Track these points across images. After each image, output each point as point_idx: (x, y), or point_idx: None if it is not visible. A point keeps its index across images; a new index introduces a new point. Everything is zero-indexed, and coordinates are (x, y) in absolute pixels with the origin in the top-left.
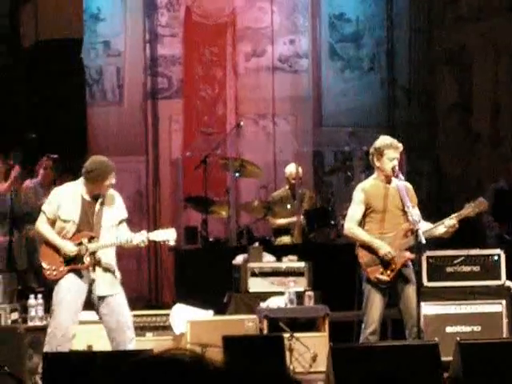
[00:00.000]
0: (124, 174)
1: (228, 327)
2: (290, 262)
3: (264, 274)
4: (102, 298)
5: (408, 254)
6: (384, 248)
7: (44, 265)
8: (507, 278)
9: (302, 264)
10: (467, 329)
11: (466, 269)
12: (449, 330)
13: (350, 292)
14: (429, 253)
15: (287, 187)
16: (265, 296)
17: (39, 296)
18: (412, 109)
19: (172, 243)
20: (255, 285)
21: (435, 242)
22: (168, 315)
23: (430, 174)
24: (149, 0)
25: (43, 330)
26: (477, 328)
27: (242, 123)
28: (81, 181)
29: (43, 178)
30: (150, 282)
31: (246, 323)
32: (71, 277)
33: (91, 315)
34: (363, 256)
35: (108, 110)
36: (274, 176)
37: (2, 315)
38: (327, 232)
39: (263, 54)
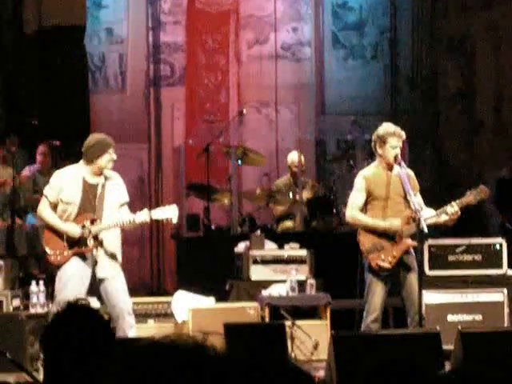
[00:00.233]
0: (126, 161)
1: (230, 315)
2: (292, 249)
3: (266, 261)
4: (102, 280)
5: (410, 242)
6: (393, 224)
7: (48, 250)
8: (509, 267)
9: (303, 252)
10: (468, 317)
11: (468, 257)
12: (450, 318)
13: (352, 280)
14: (430, 241)
15: (289, 175)
16: (266, 284)
17: (41, 282)
18: (415, 97)
19: (174, 221)
20: (257, 272)
21: (437, 231)
22: (170, 302)
23: (433, 162)
24: None
25: (45, 316)
26: (478, 317)
27: (244, 111)
28: (82, 163)
29: (41, 164)
30: (152, 270)
31: (248, 311)
32: (75, 261)
33: (93, 301)
34: (365, 243)
35: (110, 97)
36: (276, 164)
37: (3, 302)
38: (329, 220)
39: (266, 41)
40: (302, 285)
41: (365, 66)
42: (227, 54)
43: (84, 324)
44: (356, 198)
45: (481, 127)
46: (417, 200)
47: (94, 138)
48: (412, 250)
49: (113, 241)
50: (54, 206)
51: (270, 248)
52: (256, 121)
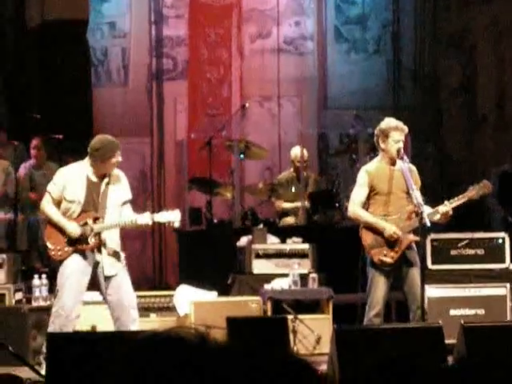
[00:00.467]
0: (129, 155)
1: (232, 309)
2: (295, 243)
3: (268, 255)
4: (108, 278)
5: (412, 237)
6: (389, 228)
7: (49, 245)
8: (511, 261)
9: (306, 246)
10: (471, 312)
11: (471, 252)
12: (452, 312)
13: (354, 274)
14: (433, 236)
15: (292, 170)
16: (269, 278)
17: (43, 276)
18: (417, 91)
19: (177, 225)
20: (259, 266)
21: (440, 226)
22: (172, 296)
23: (435, 157)
24: None
25: (47, 310)
26: (480, 311)
27: (246, 105)
28: (86, 161)
29: (35, 158)
30: (154, 263)
31: (250, 305)
32: (76, 257)
33: (95, 296)
34: (367, 238)
35: (113, 91)
36: (278, 158)
37: (6, 295)
38: (332, 214)
39: (269, 35)
40: (304, 279)
41: (367, 60)
42: (230, 48)
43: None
44: (358, 192)
45: (483, 122)
46: (419, 195)
47: (101, 140)
48: (414, 245)
49: (114, 238)
50: (58, 203)
51: (273, 242)
52: (258, 115)
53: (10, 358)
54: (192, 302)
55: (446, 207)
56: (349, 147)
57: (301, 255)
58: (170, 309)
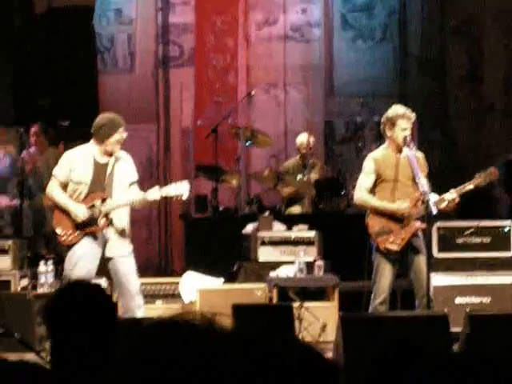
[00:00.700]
0: (135, 142)
1: (237, 296)
2: (300, 231)
3: (274, 243)
4: (111, 259)
5: (418, 224)
6: (401, 206)
7: (58, 231)
8: None
9: (312, 233)
10: (477, 300)
11: (477, 240)
12: (458, 301)
13: (360, 262)
14: (439, 223)
15: (298, 157)
16: (275, 265)
17: (49, 262)
18: (424, 79)
19: (185, 197)
20: (265, 254)
21: (447, 213)
22: (178, 283)
23: (442, 144)
24: None
25: None
26: (486, 299)
27: (253, 92)
28: (92, 143)
29: (36, 145)
30: (160, 250)
31: (256, 292)
32: (86, 241)
33: (101, 282)
34: (373, 225)
35: (119, 78)
36: (284, 145)
37: (11, 282)
38: (338, 202)
39: (275, 22)
40: (310, 266)
41: (374, 47)
42: (236, 35)
43: (85, 298)
44: (365, 180)
45: (490, 109)
46: (425, 182)
47: (104, 117)
48: (420, 233)
49: (123, 220)
50: (64, 186)
51: (278, 229)
52: (265, 102)
53: (15, 344)
54: (198, 289)
55: (453, 195)
56: (355, 135)
57: (307, 242)
58: (175, 296)
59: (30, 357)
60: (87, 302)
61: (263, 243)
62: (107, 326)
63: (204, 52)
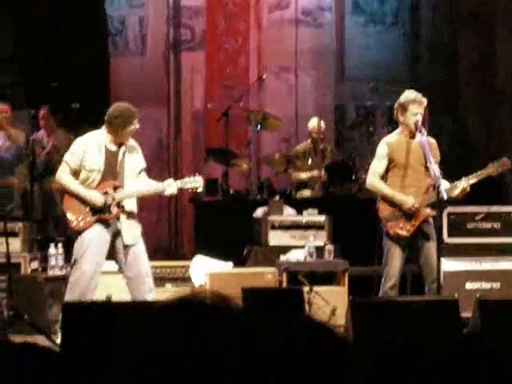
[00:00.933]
0: (145, 124)
1: (247, 279)
2: (311, 215)
3: (284, 227)
4: (126, 247)
5: (429, 211)
6: (408, 201)
7: (69, 216)
8: None
9: (322, 218)
10: (487, 285)
11: (487, 225)
12: (468, 286)
13: (370, 246)
14: (450, 209)
15: (309, 141)
16: (285, 249)
17: (59, 245)
18: (435, 65)
19: (200, 190)
20: (275, 238)
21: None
22: (188, 266)
23: (451, 131)
24: None
25: (63, 279)
26: (496, 285)
27: (264, 76)
28: (104, 130)
29: (45, 128)
30: (170, 234)
31: (266, 276)
32: (97, 227)
33: (110, 265)
34: (383, 210)
35: (130, 61)
36: (295, 129)
37: (21, 264)
38: (348, 186)
39: (287, 6)
40: (320, 251)
41: (385, 32)
42: (248, 19)
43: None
44: (377, 164)
45: (501, 96)
46: (437, 168)
47: (119, 107)
48: (431, 219)
49: (132, 206)
50: (74, 173)
51: (289, 213)
52: (276, 86)
53: (25, 327)
54: (208, 273)
55: (465, 183)
56: (366, 119)
57: (317, 227)
58: (185, 279)
59: (40, 339)
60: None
61: (273, 227)
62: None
63: (215, 35)
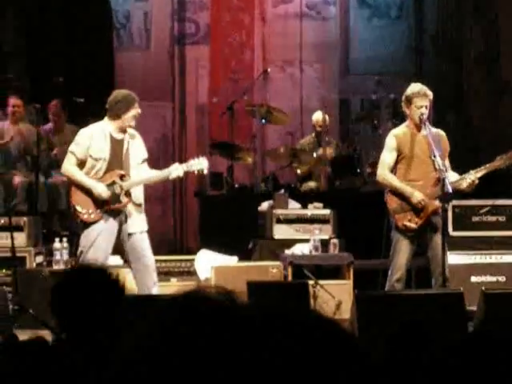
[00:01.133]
0: (150, 118)
1: (253, 273)
2: (316, 209)
3: (289, 220)
4: (132, 235)
5: (437, 203)
6: (417, 196)
7: (78, 208)
8: None
9: (327, 211)
10: (492, 279)
11: (492, 219)
12: (473, 279)
13: (375, 240)
14: (455, 202)
15: (314, 135)
16: (290, 243)
17: (64, 240)
18: (439, 58)
19: (205, 171)
20: (280, 231)
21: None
22: (193, 260)
23: (456, 124)
24: None
25: None
26: (501, 278)
27: (268, 70)
28: (107, 120)
29: (55, 121)
30: (175, 228)
31: (271, 269)
32: (105, 218)
33: (116, 259)
34: (392, 203)
35: (135, 55)
36: (300, 123)
37: (26, 258)
38: (353, 180)
39: (291, 0)
40: (325, 244)
41: (390, 25)
42: (252, 13)
43: (93, 282)
44: (386, 157)
45: (506, 89)
46: (442, 161)
47: (119, 93)
48: (440, 212)
49: (139, 196)
50: (80, 164)
51: (294, 207)
52: (280, 80)
53: (30, 320)
54: (213, 267)
55: (472, 176)
56: (370, 113)
57: (322, 221)
58: (190, 273)
59: (44, 333)
60: (92, 286)
61: (278, 221)
62: (112, 306)
63: (220, 29)
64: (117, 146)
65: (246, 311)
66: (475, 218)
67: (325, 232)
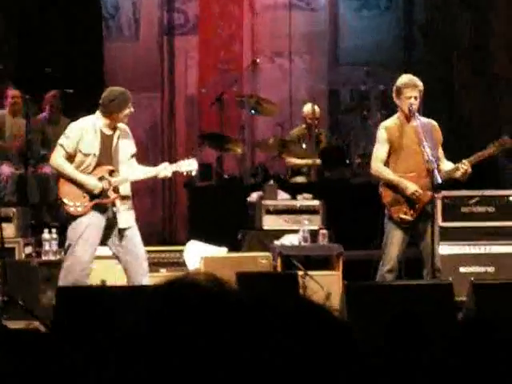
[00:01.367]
0: (139, 110)
1: (242, 264)
2: (305, 200)
3: (278, 211)
4: (122, 231)
5: (430, 194)
6: (411, 188)
7: (66, 201)
8: None
9: (316, 202)
10: (481, 269)
11: (481, 209)
12: (462, 270)
13: (365, 231)
14: (444, 193)
15: (304, 126)
16: (279, 233)
17: (53, 230)
18: (429, 49)
19: (194, 173)
20: (269, 222)
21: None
22: (182, 251)
23: (446, 114)
24: None
25: (57, 264)
26: (490, 269)
27: (258, 60)
28: (98, 114)
29: (51, 112)
30: (164, 219)
31: (260, 260)
32: (93, 212)
33: (104, 250)
34: (386, 196)
35: (124, 46)
36: (289, 114)
37: (15, 249)
38: (342, 171)
39: None
40: (314, 235)
41: (379, 16)
42: (241, 3)
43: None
44: (379, 150)
45: (495, 80)
46: (433, 152)
47: (114, 91)
48: (439, 202)
49: (127, 190)
50: (69, 157)
51: (283, 198)
52: (270, 70)
53: (20, 311)
54: (202, 258)
55: (465, 165)
56: (360, 104)
57: (311, 211)
58: (179, 264)
59: (34, 324)
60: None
61: (268, 212)
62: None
63: (209, 20)
64: (107, 141)
65: (235, 297)
66: (464, 209)
67: (314, 223)
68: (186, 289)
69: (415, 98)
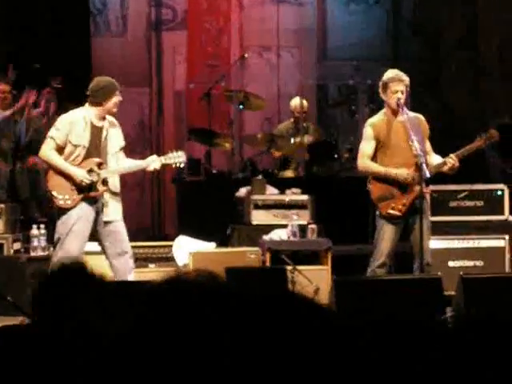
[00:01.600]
0: (127, 105)
1: (231, 259)
2: (294, 194)
3: (267, 206)
4: (108, 223)
5: (419, 188)
6: (401, 173)
7: (55, 194)
8: (510, 213)
9: (305, 197)
10: (470, 263)
11: (470, 203)
12: (451, 264)
13: (354, 225)
14: (432, 187)
15: (292, 120)
16: (268, 228)
17: (42, 226)
18: (417, 43)
19: (183, 165)
20: (258, 217)
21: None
22: (171, 247)
23: (435, 108)
24: None
25: (46, 260)
26: (479, 263)
27: (246, 55)
28: (87, 106)
29: (46, 109)
30: (153, 214)
31: (249, 255)
32: (82, 205)
33: (94, 246)
34: (375, 191)
35: (112, 41)
36: (277, 108)
37: (4, 245)
38: (331, 165)
39: None
40: (303, 230)
41: (367, 11)
42: None
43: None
44: (365, 146)
45: (484, 74)
46: (421, 146)
47: (101, 80)
48: (427, 196)
49: (116, 183)
50: (59, 149)
51: (272, 193)
52: (258, 65)
53: (8, 307)
54: (191, 253)
55: (453, 159)
56: (348, 98)
57: (300, 206)
58: (168, 259)
59: (22, 320)
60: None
61: (256, 206)
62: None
63: (197, 15)
64: (96, 133)
65: (229, 290)
66: (453, 203)
67: (303, 217)
68: (184, 287)
69: (402, 92)
